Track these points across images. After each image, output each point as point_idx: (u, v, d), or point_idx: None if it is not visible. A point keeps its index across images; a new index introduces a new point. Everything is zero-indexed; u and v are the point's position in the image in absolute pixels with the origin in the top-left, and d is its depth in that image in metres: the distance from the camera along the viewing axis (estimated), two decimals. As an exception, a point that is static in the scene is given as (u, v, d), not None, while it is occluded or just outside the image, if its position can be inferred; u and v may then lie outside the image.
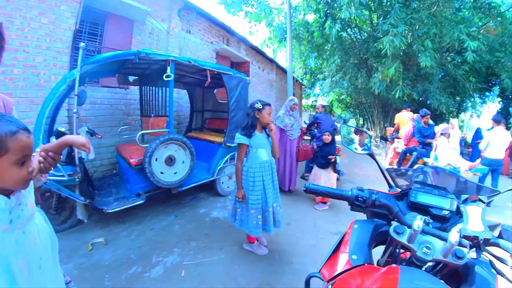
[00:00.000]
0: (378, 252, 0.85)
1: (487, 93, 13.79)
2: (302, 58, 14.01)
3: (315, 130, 4.95)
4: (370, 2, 8.85)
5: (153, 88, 3.45)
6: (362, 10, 8.48)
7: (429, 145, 4.68)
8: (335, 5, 8.55)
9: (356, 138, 1.26)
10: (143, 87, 3.81)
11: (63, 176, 2.31)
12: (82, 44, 2.38)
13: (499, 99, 14.54)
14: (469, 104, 13.96)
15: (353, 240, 0.79)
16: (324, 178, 3.47)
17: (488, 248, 0.65)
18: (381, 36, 7.89)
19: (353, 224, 0.86)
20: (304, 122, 5.53)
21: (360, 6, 7.47)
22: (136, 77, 3.89)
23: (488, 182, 4.62)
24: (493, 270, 0.65)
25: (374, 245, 0.84)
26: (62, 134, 2.59)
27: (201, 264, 2.17)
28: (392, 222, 0.73)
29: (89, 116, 3.82)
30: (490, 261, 0.67)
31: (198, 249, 2.39)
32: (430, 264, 0.70)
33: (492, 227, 0.71)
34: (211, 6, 27.03)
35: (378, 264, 0.82)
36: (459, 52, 9.08)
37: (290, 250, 2.45)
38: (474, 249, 0.63)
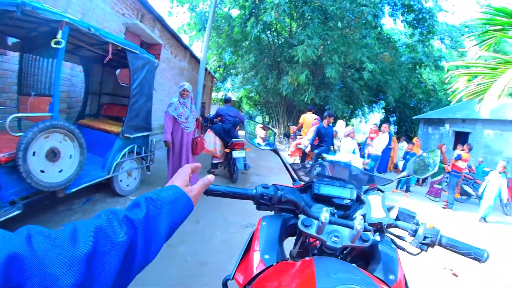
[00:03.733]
0: (290, 243, 0.86)
1: (374, 105, 18.29)
2: (218, 51, 13.63)
3: (220, 123, 4.86)
4: (293, 12, 9.62)
5: (38, 57, 2.65)
6: (285, 18, 9.13)
7: (326, 142, 5.38)
8: (261, 6, 8.91)
9: (260, 133, 1.25)
10: (25, 55, 2.88)
11: None
12: None
13: (383, 110, 20.00)
14: (360, 112, 18.15)
15: (262, 238, 0.77)
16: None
17: (389, 229, 0.75)
18: (296, 44, 8.85)
19: (261, 221, 0.85)
20: (209, 115, 5.62)
21: (283, 13, 8.03)
22: (18, 40, 2.91)
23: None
24: (393, 246, 0.78)
25: (285, 237, 0.85)
26: None
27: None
28: (300, 215, 0.73)
29: None
30: (391, 239, 0.79)
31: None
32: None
33: (389, 209, 0.83)
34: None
35: (290, 255, 0.83)
36: (358, 70, 11.20)
37: (203, 249, 2.34)
38: (378, 233, 0.71)
